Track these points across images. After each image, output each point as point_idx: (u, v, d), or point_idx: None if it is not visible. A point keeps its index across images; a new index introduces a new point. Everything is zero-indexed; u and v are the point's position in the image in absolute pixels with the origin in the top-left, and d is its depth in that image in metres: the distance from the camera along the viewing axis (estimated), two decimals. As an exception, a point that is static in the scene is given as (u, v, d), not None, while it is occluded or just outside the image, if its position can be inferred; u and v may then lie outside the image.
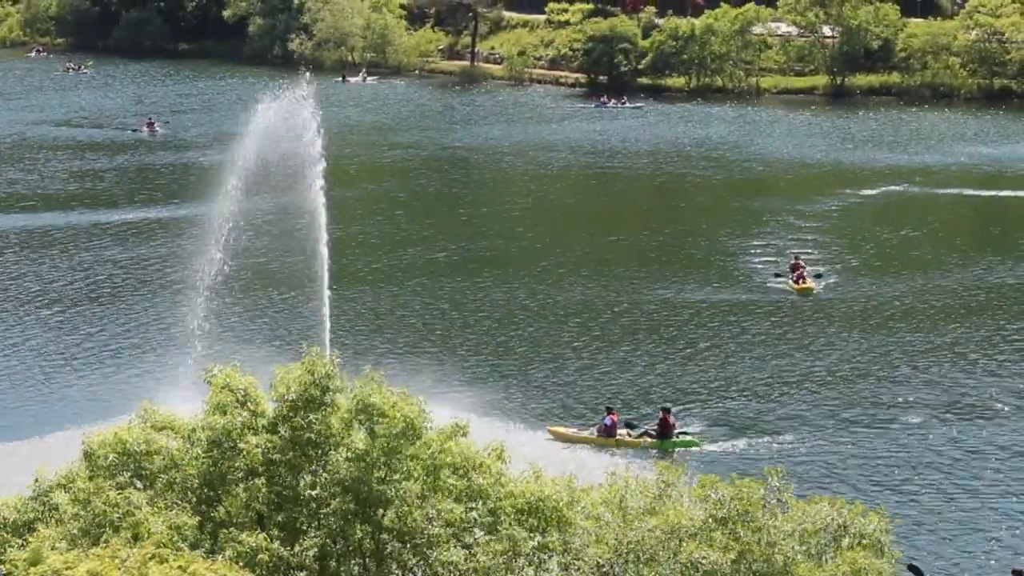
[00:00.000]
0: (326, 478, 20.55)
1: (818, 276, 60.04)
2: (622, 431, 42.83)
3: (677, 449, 41.68)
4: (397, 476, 20.66)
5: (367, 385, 21.20)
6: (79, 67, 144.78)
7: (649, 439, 42.40)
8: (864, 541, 21.07)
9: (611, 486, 22.23)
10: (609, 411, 43.17)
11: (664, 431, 42.34)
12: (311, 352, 21.88)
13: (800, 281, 59.13)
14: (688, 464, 38.20)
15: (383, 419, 20.72)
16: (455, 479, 21.33)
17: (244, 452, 20.60)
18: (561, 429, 43.21)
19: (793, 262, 60.72)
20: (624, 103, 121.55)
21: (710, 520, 20.72)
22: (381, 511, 20.53)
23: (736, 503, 20.68)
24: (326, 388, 21.00)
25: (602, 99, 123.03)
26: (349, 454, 20.61)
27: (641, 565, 20.29)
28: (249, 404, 21.22)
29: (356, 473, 20.42)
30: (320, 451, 20.91)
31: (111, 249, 67.75)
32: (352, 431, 20.92)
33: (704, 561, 19.89)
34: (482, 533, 20.88)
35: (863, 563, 20.36)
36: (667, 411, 42.78)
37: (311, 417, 20.82)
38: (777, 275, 60.45)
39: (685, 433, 42.61)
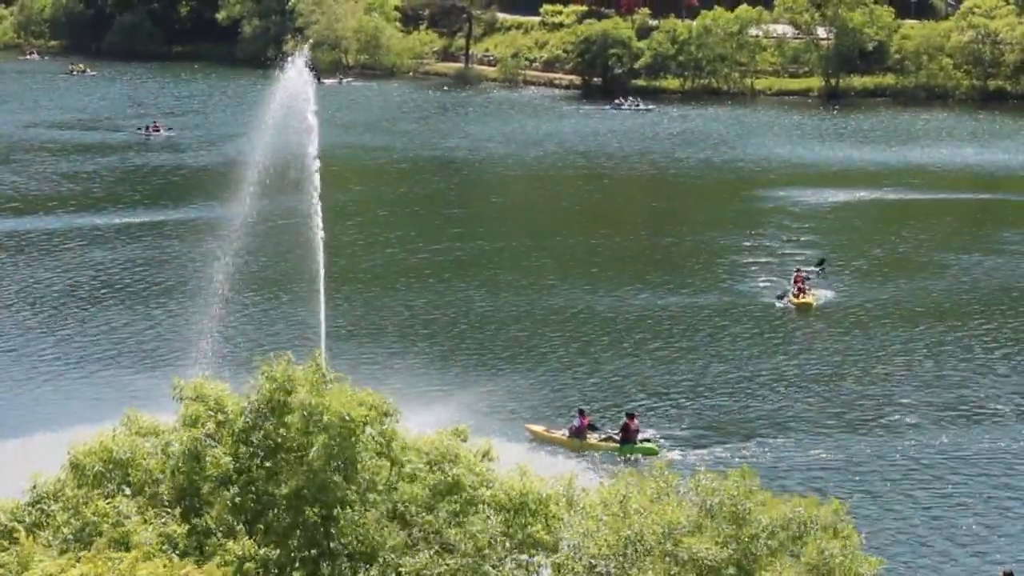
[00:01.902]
0: (294, 486, 20.45)
1: (822, 266, 58.07)
2: (592, 434, 42.89)
3: (637, 455, 41.44)
4: (353, 486, 20.54)
5: (312, 388, 20.91)
6: (84, 70, 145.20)
7: (613, 443, 42.43)
8: (822, 531, 21.03)
9: (610, 488, 22.15)
10: (581, 413, 43.24)
11: (626, 436, 42.29)
12: (274, 357, 21.56)
13: (800, 295, 57.32)
14: (649, 468, 38.36)
15: (327, 423, 20.50)
16: (428, 472, 21.21)
17: (214, 463, 20.47)
18: (537, 428, 43.42)
19: (796, 275, 58.76)
20: (638, 105, 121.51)
21: (701, 512, 20.70)
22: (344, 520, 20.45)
23: (727, 494, 20.64)
24: (289, 391, 20.82)
25: (617, 101, 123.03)
26: (309, 461, 20.48)
27: (638, 558, 20.22)
28: (219, 414, 21.08)
29: (314, 483, 20.34)
30: (291, 456, 20.79)
31: (104, 252, 67.51)
32: (310, 437, 20.70)
33: (701, 556, 19.86)
34: (452, 531, 20.77)
35: (828, 547, 20.41)
36: (631, 416, 42.70)
37: (272, 424, 20.67)
38: (780, 297, 58.10)
39: (647, 440, 42.48)
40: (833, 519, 21.00)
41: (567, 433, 42.86)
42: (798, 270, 59.75)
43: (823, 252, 60.02)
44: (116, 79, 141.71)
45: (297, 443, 20.70)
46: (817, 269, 60.75)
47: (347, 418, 20.31)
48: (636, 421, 42.53)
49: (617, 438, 42.36)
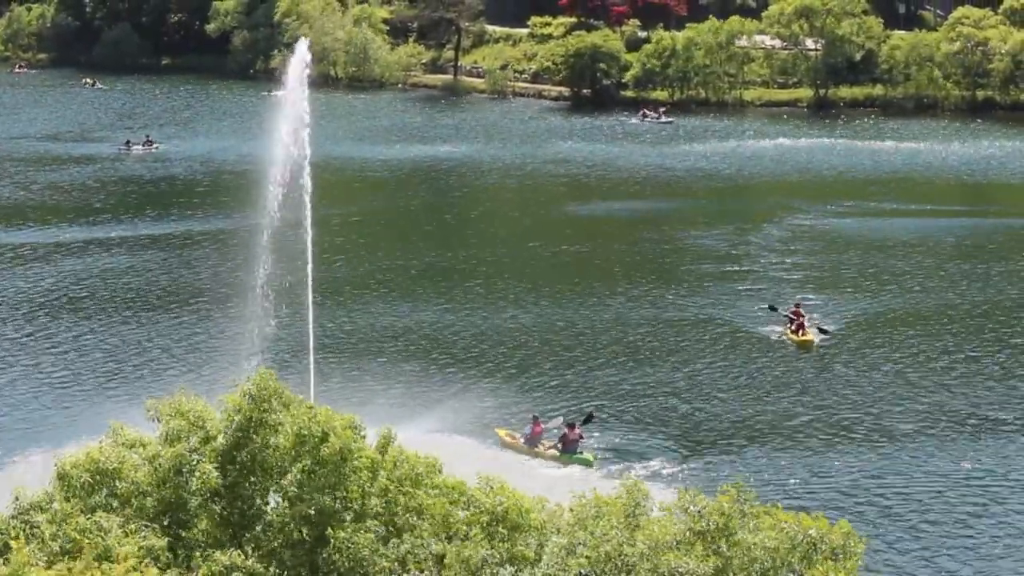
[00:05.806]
0: (284, 507, 20.28)
1: (823, 331, 54.41)
2: (545, 441, 43.32)
3: (573, 465, 41.85)
4: (347, 512, 20.36)
5: (301, 414, 20.77)
6: (94, 83, 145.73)
7: (554, 452, 42.84)
8: (837, 555, 20.71)
9: (579, 505, 21.91)
10: (535, 420, 43.75)
11: (565, 446, 42.71)
12: (247, 376, 21.48)
13: (800, 332, 53.91)
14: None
15: (322, 448, 20.35)
16: (404, 497, 21.07)
17: (201, 478, 20.28)
18: (504, 432, 44.06)
19: (794, 309, 55.06)
20: (659, 116, 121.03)
21: (689, 533, 20.48)
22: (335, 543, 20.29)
23: (716, 517, 20.41)
24: (266, 410, 20.63)
25: (642, 112, 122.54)
26: (293, 486, 20.31)
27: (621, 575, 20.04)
28: (200, 431, 20.90)
29: (307, 508, 20.16)
30: (276, 472, 20.61)
31: (84, 265, 67.22)
32: (298, 461, 20.55)
33: (682, 571, 19.64)
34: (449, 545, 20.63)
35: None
36: (571, 426, 43.11)
37: (257, 444, 20.50)
38: (772, 308, 55.90)
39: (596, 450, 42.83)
40: (842, 540, 20.61)
41: (522, 439, 43.56)
42: (797, 304, 55.94)
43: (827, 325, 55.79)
44: (126, 92, 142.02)
45: (283, 465, 20.55)
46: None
47: (342, 448, 20.28)
48: (577, 431, 42.99)
49: (559, 447, 42.86)
